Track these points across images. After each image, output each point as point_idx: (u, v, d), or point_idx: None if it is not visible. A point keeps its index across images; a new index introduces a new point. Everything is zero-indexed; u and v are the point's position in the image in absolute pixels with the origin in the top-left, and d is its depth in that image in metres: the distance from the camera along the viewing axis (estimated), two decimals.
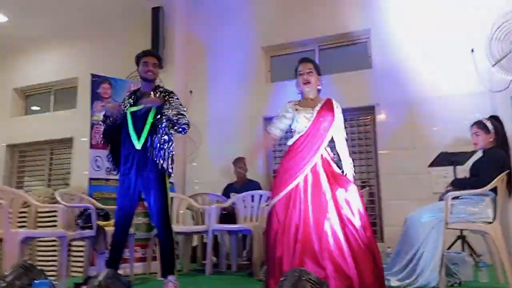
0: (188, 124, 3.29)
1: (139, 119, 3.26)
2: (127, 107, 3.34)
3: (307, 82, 3.05)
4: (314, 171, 2.91)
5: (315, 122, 3.00)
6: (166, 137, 3.24)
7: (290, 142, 3.05)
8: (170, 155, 3.27)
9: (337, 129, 3.07)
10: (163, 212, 3.22)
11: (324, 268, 2.62)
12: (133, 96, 3.41)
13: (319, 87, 3.11)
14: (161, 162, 3.19)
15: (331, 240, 2.71)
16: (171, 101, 3.29)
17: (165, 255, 3.27)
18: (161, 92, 3.37)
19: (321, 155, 2.96)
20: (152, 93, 3.36)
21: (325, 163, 2.95)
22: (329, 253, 2.67)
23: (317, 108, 3.03)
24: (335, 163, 3.03)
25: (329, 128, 3.01)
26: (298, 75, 3.10)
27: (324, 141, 2.98)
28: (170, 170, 3.26)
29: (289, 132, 3.16)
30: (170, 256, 3.24)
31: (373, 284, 2.61)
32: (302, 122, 3.02)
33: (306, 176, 2.89)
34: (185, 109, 3.34)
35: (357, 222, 2.75)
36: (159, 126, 3.21)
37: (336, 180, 2.89)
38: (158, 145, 3.19)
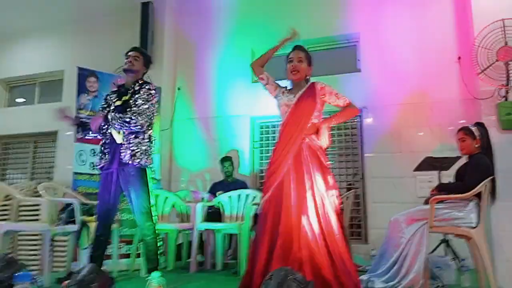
0: (142, 126, 3.22)
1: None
2: (113, 101, 3.38)
3: (295, 71, 3.04)
4: (297, 161, 2.90)
5: (293, 110, 2.99)
6: (136, 133, 3.23)
7: (278, 133, 3.07)
8: (145, 150, 3.25)
9: (333, 101, 3.07)
10: (144, 208, 3.20)
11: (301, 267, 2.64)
12: (116, 90, 3.47)
13: (307, 77, 3.11)
14: (133, 158, 3.18)
15: (307, 237, 2.74)
16: (136, 98, 3.28)
17: (148, 252, 3.26)
18: (139, 84, 3.37)
19: (306, 143, 2.94)
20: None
21: (310, 152, 2.93)
22: (305, 253, 2.70)
23: (298, 95, 3.02)
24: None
25: (310, 114, 2.97)
26: (288, 61, 3.09)
27: (303, 128, 2.95)
28: (145, 164, 3.24)
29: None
30: (153, 253, 3.22)
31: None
32: (283, 109, 3.03)
33: (289, 169, 2.89)
34: (146, 106, 3.26)
35: (329, 221, 2.78)
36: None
37: (317, 173, 2.88)
38: (130, 140, 3.21)
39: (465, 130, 3.49)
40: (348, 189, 5.39)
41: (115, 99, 3.38)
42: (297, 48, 3.13)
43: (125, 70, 3.44)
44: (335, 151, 5.76)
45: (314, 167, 2.89)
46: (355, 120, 5.70)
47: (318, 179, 2.86)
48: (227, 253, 5.01)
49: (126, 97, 3.31)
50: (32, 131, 7.41)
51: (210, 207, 4.78)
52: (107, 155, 3.27)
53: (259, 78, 3.20)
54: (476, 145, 3.41)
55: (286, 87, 3.16)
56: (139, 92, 3.29)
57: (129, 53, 3.49)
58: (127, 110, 3.23)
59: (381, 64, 5.55)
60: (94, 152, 4.76)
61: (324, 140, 2.94)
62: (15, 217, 4.32)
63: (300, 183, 2.84)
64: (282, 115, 3.06)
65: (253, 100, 5.93)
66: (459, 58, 5.14)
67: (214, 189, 5.36)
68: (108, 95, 3.53)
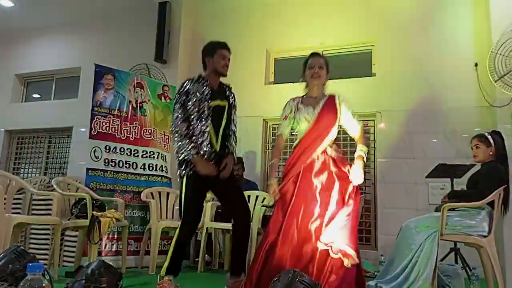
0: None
1: None
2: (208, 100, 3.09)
3: (317, 76, 3.04)
4: (308, 171, 2.89)
5: (315, 123, 2.98)
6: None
7: (294, 145, 3.05)
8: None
9: (346, 121, 3.04)
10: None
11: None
12: (207, 89, 3.12)
13: (325, 86, 3.11)
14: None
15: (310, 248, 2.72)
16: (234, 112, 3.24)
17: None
18: (230, 90, 3.30)
19: (326, 153, 2.94)
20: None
21: (329, 162, 2.92)
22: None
23: (318, 108, 3.00)
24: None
25: (332, 126, 2.97)
26: (308, 68, 3.08)
27: (324, 140, 2.94)
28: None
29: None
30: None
31: None
32: (303, 124, 3.01)
33: (302, 178, 2.88)
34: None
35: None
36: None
37: (334, 185, 2.85)
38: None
39: (480, 137, 3.44)
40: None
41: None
42: (316, 55, 3.13)
43: (221, 73, 3.22)
44: (347, 155, 5.72)
45: (337, 176, 2.87)
46: (368, 125, 5.66)
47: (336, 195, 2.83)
48: None
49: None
50: (47, 126, 7.52)
51: (219, 207, 4.79)
52: None
53: (287, 136, 3.16)
54: (491, 153, 3.36)
55: (295, 98, 3.11)
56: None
57: (224, 53, 3.21)
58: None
59: (396, 69, 5.51)
60: (109, 149, 4.80)
61: (357, 177, 2.86)
62: (27, 211, 4.38)
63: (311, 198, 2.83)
64: (300, 129, 3.02)
65: (266, 102, 5.94)
66: (476, 64, 5.08)
67: None
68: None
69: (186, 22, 6.73)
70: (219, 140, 3.11)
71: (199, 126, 3.00)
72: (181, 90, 3.13)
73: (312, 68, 3.04)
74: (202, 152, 2.98)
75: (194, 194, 3.03)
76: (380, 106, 5.47)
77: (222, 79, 3.29)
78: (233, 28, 6.53)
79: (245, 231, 3.12)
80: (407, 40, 5.53)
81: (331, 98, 3.05)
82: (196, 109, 3.02)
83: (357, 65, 6.00)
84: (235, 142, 3.24)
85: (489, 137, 3.40)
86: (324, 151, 2.94)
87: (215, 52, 3.19)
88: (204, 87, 3.10)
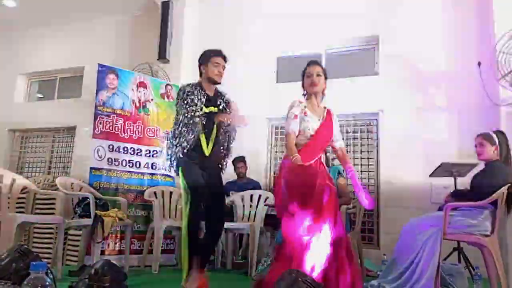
0: None
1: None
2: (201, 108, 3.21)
3: (314, 84, 3.05)
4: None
5: (318, 133, 2.99)
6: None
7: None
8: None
9: (336, 134, 3.09)
10: None
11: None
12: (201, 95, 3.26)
13: (324, 93, 3.11)
14: None
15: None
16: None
17: None
18: (223, 99, 3.39)
19: (321, 162, 2.97)
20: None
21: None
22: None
23: (321, 119, 3.03)
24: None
25: (331, 137, 3.04)
26: (306, 77, 3.09)
27: (323, 150, 3.04)
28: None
29: None
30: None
31: None
32: (306, 132, 3.00)
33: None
34: None
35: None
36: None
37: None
38: None
39: (484, 135, 3.43)
40: None
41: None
42: (314, 63, 3.14)
43: (213, 81, 3.33)
44: (350, 154, 5.72)
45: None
46: (372, 124, 5.66)
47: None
48: (238, 253, 5.02)
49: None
50: (51, 126, 7.55)
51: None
52: None
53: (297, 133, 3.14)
54: (495, 152, 3.35)
55: (301, 101, 3.11)
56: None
57: (218, 61, 3.30)
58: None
59: (399, 68, 5.50)
60: (112, 148, 4.82)
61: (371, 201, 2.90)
62: (31, 210, 4.40)
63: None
64: (304, 134, 3.02)
65: (270, 102, 5.93)
66: (479, 63, 5.06)
67: (227, 189, 5.36)
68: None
69: (189, 21, 6.73)
70: (210, 145, 3.23)
71: (187, 137, 3.12)
72: (181, 95, 3.23)
73: (310, 77, 3.05)
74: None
75: (193, 178, 3.09)
76: (383, 105, 5.46)
77: (220, 87, 3.42)
78: (236, 27, 6.53)
79: (213, 239, 3.30)
80: (411, 39, 5.51)
81: (329, 112, 3.08)
82: (189, 116, 3.13)
83: (360, 64, 5.99)
84: (231, 142, 3.39)
85: (493, 135, 3.39)
86: (320, 159, 2.96)
87: (209, 60, 3.28)
88: (200, 94, 3.22)
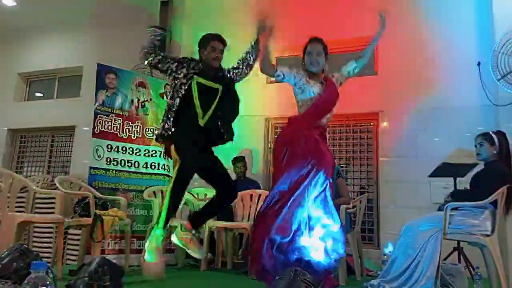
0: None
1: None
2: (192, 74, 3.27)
3: (316, 63, 3.05)
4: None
5: (320, 96, 3.07)
6: None
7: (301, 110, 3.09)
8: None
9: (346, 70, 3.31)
10: None
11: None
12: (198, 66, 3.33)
13: (324, 72, 3.13)
14: None
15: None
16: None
17: None
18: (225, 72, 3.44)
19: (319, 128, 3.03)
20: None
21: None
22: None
23: (322, 86, 3.10)
24: None
25: (331, 102, 3.10)
26: (306, 54, 3.10)
27: (328, 114, 3.11)
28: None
29: None
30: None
31: None
32: (308, 93, 3.02)
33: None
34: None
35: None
36: None
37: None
38: None
39: (484, 135, 3.43)
40: (361, 193, 5.36)
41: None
42: (315, 40, 3.15)
43: (209, 65, 3.35)
44: (350, 154, 5.73)
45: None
46: (371, 124, 5.66)
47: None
48: (238, 253, 5.01)
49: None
50: (50, 125, 7.54)
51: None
52: None
53: (276, 76, 3.20)
54: (494, 152, 3.35)
55: (302, 72, 3.12)
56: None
57: (214, 44, 3.36)
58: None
59: (398, 68, 5.50)
60: (111, 147, 4.82)
61: None
62: (30, 209, 4.39)
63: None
64: (305, 98, 3.04)
65: (268, 101, 5.94)
66: (479, 63, 5.06)
67: None
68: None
69: (188, 21, 6.72)
70: (206, 117, 3.21)
71: (172, 101, 3.18)
72: (177, 58, 3.35)
73: (310, 56, 3.05)
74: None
75: (188, 151, 3.07)
76: (383, 105, 5.46)
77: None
78: (235, 26, 6.51)
79: (227, 198, 3.32)
80: (410, 39, 5.51)
81: (328, 80, 3.17)
82: (178, 79, 3.20)
83: None
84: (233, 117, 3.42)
85: (493, 136, 3.39)
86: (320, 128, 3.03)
87: (207, 44, 3.33)
88: (196, 64, 3.29)
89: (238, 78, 3.48)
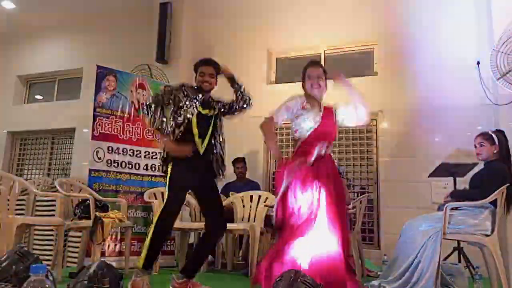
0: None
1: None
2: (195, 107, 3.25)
3: (317, 87, 3.04)
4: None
5: (319, 127, 3.00)
6: None
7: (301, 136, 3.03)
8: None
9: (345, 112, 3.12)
10: None
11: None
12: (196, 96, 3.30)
13: (324, 94, 3.12)
14: None
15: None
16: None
17: None
18: (215, 101, 3.40)
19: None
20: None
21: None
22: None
23: (320, 114, 3.02)
24: None
25: (330, 132, 3.04)
26: (306, 78, 3.08)
27: (330, 139, 3.04)
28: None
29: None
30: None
31: None
32: (309, 123, 3.00)
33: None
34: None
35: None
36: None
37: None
38: None
39: (484, 135, 3.44)
40: (361, 193, 5.36)
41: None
42: (315, 64, 3.13)
43: (200, 89, 3.31)
44: (350, 155, 5.72)
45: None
46: (371, 124, 5.66)
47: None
48: (238, 254, 5.01)
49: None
50: (49, 128, 7.54)
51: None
52: None
53: (279, 125, 3.20)
54: (494, 151, 3.36)
55: (302, 97, 3.11)
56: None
57: (203, 69, 3.31)
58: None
59: (398, 68, 5.50)
60: (111, 150, 4.81)
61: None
62: (31, 212, 4.39)
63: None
64: (305, 128, 3.02)
65: (268, 102, 5.88)
66: (478, 62, 5.06)
67: (227, 190, 5.37)
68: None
69: (188, 22, 6.73)
70: (205, 143, 3.23)
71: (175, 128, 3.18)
72: (175, 87, 3.34)
73: (311, 79, 3.04)
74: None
75: (179, 183, 3.14)
76: (382, 105, 5.46)
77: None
78: (235, 28, 6.53)
79: (216, 234, 3.28)
80: (409, 39, 5.52)
81: (325, 107, 3.08)
82: (181, 111, 3.18)
83: (359, 64, 6.00)
84: (223, 143, 3.41)
85: (493, 135, 3.39)
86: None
87: (197, 70, 3.35)
88: (197, 94, 3.28)
89: (225, 112, 3.46)
